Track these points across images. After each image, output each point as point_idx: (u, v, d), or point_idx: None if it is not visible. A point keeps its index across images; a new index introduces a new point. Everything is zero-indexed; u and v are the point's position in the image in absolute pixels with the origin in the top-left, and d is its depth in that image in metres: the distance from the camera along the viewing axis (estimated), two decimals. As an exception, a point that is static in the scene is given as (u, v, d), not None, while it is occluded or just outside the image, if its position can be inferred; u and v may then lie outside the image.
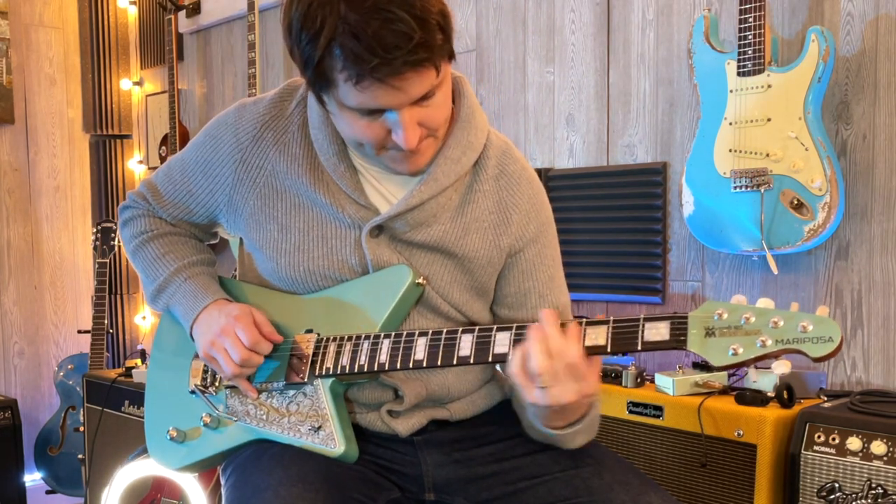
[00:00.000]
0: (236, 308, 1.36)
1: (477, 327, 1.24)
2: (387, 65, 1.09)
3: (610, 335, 1.14)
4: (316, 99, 1.24)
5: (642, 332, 1.12)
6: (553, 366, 1.12)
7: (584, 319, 1.17)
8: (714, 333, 1.07)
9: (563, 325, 1.15)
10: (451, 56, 1.19)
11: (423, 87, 1.15)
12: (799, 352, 1.03)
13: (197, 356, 1.44)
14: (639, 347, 1.12)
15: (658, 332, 1.11)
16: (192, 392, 1.43)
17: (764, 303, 1.06)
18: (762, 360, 1.05)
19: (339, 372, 1.30)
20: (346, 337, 1.31)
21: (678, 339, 1.09)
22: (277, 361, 1.36)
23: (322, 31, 1.10)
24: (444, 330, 1.26)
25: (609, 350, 1.14)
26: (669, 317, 1.11)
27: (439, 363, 1.24)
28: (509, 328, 1.21)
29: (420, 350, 1.25)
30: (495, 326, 1.22)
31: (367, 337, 1.29)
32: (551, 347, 1.13)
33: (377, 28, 1.07)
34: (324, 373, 1.31)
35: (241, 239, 1.48)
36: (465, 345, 1.23)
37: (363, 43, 1.07)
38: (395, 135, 1.19)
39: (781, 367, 1.06)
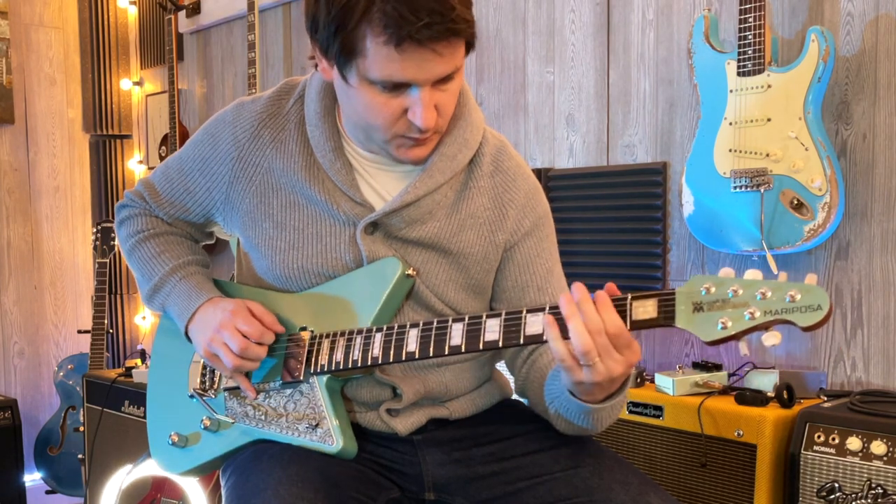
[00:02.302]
0: (231, 303, 1.36)
1: (467, 315, 1.23)
2: (428, 28, 1.12)
3: None
4: (338, 74, 1.23)
5: (630, 311, 1.11)
6: (596, 342, 1.10)
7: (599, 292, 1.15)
8: (702, 308, 1.05)
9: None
10: (473, 43, 1.21)
11: (452, 62, 1.19)
12: (788, 322, 1.01)
13: (195, 359, 1.45)
14: (628, 327, 1.11)
15: (646, 310, 1.10)
16: (192, 396, 1.43)
17: (752, 274, 1.04)
18: (752, 333, 1.03)
19: (333, 368, 1.30)
20: (339, 333, 1.31)
21: (666, 317, 1.08)
22: (274, 361, 1.36)
23: None
24: (436, 320, 1.25)
25: None
26: (656, 294, 1.09)
27: (431, 353, 1.24)
28: (497, 315, 1.20)
29: (412, 341, 1.25)
30: (485, 314, 1.21)
31: (360, 332, 1.29)
32: (588, 324, 1.10)
33: None
34: (319, 370, 1.31)
35: (238, 239, 1.48)
36: (456, 333, 1.22)
37: (407, 6, 1.11)
38: (413, 114, 1.21)
39: (772, 338, 1.04)
